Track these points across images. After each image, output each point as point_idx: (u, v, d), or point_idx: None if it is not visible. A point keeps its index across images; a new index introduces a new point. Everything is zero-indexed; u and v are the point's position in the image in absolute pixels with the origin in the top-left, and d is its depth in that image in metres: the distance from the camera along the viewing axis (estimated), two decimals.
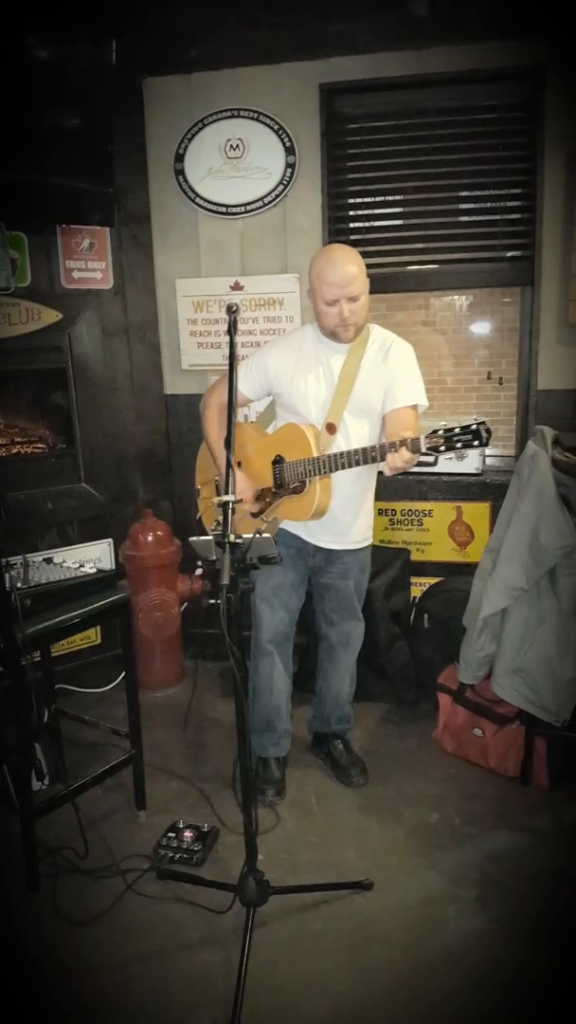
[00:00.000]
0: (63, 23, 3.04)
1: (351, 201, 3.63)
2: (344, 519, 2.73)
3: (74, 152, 3.18)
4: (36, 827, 2.46)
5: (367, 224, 3.66)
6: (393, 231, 3.63)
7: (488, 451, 3.67)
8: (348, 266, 2.48)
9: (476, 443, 2.23)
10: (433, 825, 2.75)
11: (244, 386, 2.74)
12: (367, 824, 2.77)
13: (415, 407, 2.62)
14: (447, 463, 3.55)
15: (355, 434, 2.62)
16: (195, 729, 3.42)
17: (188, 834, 2.64)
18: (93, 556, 3.69)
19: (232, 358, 2.35)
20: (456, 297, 6.31)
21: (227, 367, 2.77)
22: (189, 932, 2.31)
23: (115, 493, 3.78)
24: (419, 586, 3.66)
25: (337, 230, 3.62)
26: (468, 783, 2.97)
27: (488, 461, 3.71)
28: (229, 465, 2.19)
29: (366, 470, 2.64)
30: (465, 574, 3.52)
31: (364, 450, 2.41)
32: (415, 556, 3.65)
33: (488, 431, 2.23)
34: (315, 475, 2.54)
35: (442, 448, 2.26)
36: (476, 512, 3.58)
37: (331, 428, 2.61)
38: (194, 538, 2.21)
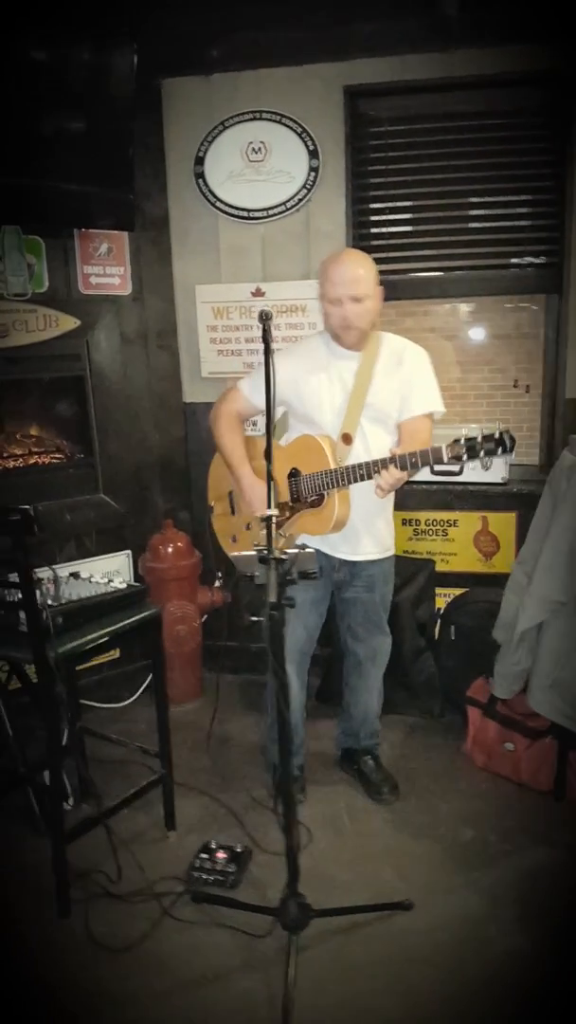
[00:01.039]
0: (80, 26, 2.99)
1: (375, 206, 3.57)
2: (364, 529, 2.68)
3: (93, 156, 3.13)
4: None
5: (391, 229, 3.60)
6: (417, 236, 3.57)
7: (512, 459, 3.61)
8: (356, 268, 2.48)
9: (500, 451, 2.19)
10: (468, 842, 2.70)
11: (255, 396, 2.71)
12: (401, 842, 2.72)
13: (431, 415, 2.60)
14: (472, 472, 3.50)
15: (375, 443, 2.57)
16: (218, 744, 3.36)
17: (221, 855, 2.58)
18: (112, 568, 3.62)
19: (268, 366, 2.28)
20: (462, 304, 6.26)
21: (252, 374, 2.76)
22: (229, 958, 2.25)
23: (134, 504, 3.71)
24: (443, 597, 3.60)
25: (361, 235, 3.57)
26: (500, 798, 2.92)
27: (512, 471, 3.65)
28: (270, 478, 2.15)
29: None
30: (490, 585, 3.48)
31: (385, 461, 2.36)
32: (439, 566, 3.59)
33: (512, 439, 2.20)
34: (333, 488, 2.49)
35: (464, 457, 2.22)
36: (502, 522, 3.53)
37: (347, 438, 2.56)
38: (235, 553, 2.17)
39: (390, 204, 3.56)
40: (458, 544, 3.60)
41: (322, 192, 3.46)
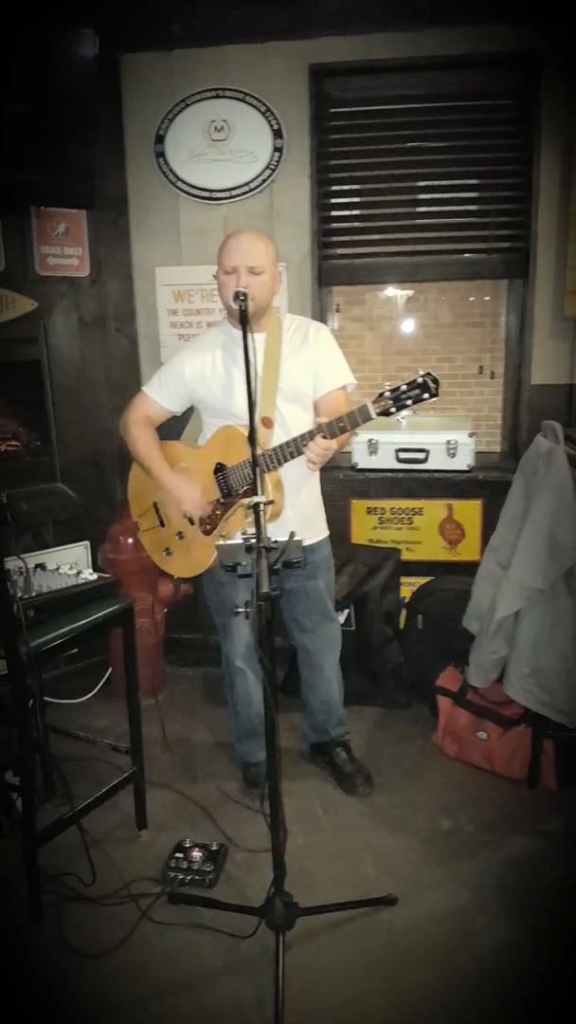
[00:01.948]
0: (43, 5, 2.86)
1: (340, 188, 3.52)
2: (296, 515, 2.61)
3: (52, 135, 2.99)
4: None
5: (356, 212, 3.55)
6: (383, 219, 3.53)
7: (475, 448, 3.61)
8: (254, 240, 2.45)
9: (426, 395, 2.18)
10: (446, 833, 2.68)
11: (163, 399, 2.66)
12: (379, 835, 2.67)
13: (345, 388, 2.59)
14: (438, 459, 3.49)
15: (294, 424, 2.52)
16: (182, 739, 3.27)
17: (196, 853, 2.50)
18: (70, 560, 3.47)
19: (246, 350, 2.22)
20: (397, 291, 6.24)
21: (156, 377, 2.68)
22: (212, 960, 2.18)
23: (92, 493, 3.58)
24: (408, 586, 3.58)
25: (325, 217, 3.51)
26: (474, 787, 2.91)
27: (476, 458, 3.65)
28: (255, 463, 2.07)
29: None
30: (455, 573, 3.48)
31: (312, 432, 2.31)
32: (404, 555, 3.56)
33: (435, 380, 2.18)
34: (264, 472, 2.41)
35: (392, 409, 2.21)
36: (467, 510, 3.52)
37: (267, 422, 2.51)
38: (220, 542, 2.09)
39: (355, 186, 3.52)
40: (423, 532, 3.57)
41: (286, 173, 3.39)
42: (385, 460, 3.52)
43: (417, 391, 2.17)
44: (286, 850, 2.55)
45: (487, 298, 3.87)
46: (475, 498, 3.50)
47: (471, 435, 3.47)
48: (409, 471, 3.52)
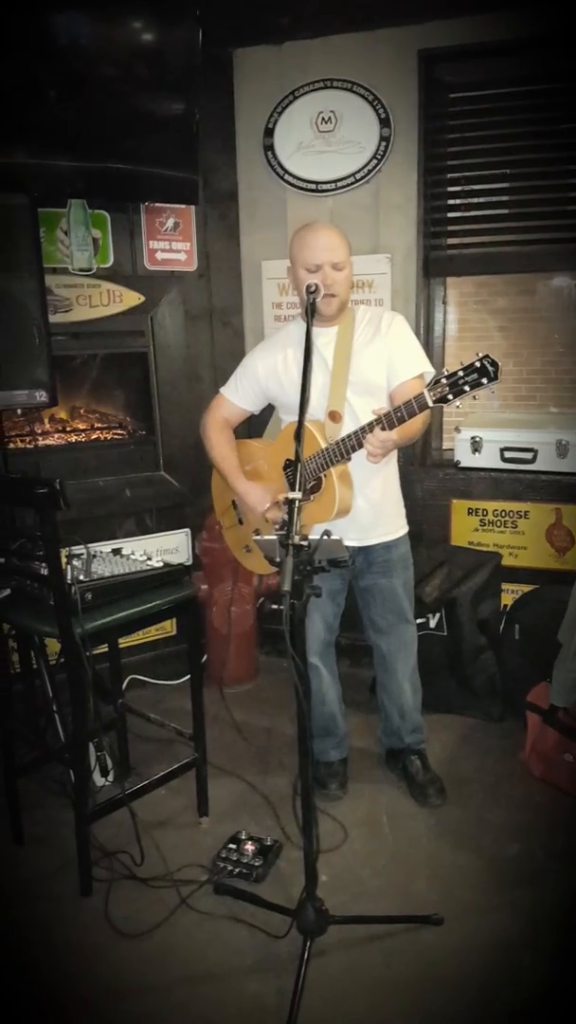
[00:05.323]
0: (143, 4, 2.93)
1: (450, 176, 3.38)
2: (368, 509, 2.54)
3: (157, 137, 3.07)
4: (96, 826, 2.39)
5: (468, 200, 3.40)
6: (496, 207, 3.36)
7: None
8: (333, 235, 2.41)
9: (484, 380, 2.05)
10: (513, 857, 2.51)
11: (239, 399, 2.66)
12: (441, 851, 2.56)
13: (421, 376, 2.45)
14: (547, 460, 3.27)
15: (365, 417, 2.39)
16: (263, 730, 3.28)
17: (250, 847, 2.50)
18: (171, 546, 3.60)
19: (308, 343, 2.19)
20: (562, 282, 5.92)
21: (233, 378, 2.68)
22: (243, 956, 2.17)
23: (194, 482, 3.66)
24: (511, 593, 3.39)
25: (434, 207, 3.38)
26: (555, 813, 2.71)
27: None
28: (299, 460, 2.04)
29: None
30: (563, 582, 3.24)
31: (371, 423, 2.23)
32: (507, 561, 3.38)
33: (494, 363, 2.04)
34: (328, 467, 2.37)
35: (450, 396, 2.10)
36: None
37: (335, 416, 2.45)
38: (258, 536, 2.07)
39: (467, 174, 3.36)
40: (528, 537, 3.37)
41: (393, 163, 3.30)
42: (489, 459, 3.35)
43: (475, 375, 2.06)
44: (341, 854, 2.55)
45: None
46: None
47: None
48: (515, 471, 3.34)
